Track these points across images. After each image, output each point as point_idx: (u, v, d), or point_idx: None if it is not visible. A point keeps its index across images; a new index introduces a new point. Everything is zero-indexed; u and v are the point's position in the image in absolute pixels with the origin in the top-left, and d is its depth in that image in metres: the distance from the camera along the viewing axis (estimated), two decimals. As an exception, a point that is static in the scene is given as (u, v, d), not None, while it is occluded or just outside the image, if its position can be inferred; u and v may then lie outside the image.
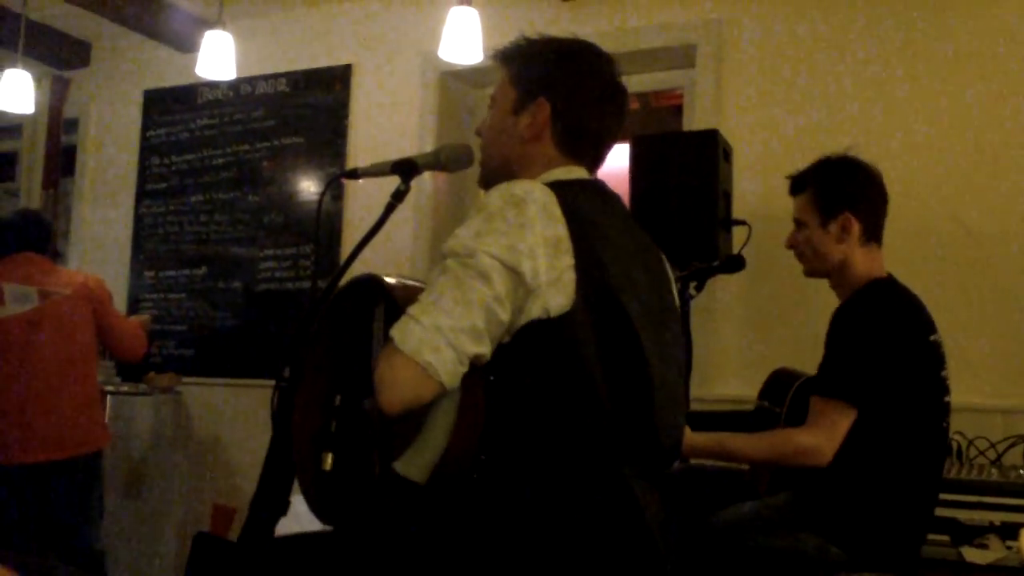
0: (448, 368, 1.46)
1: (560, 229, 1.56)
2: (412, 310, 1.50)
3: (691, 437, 2.45)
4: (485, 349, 1.50)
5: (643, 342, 1.63)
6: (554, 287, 1.53)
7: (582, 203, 1.64)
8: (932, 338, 2.48)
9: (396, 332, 1.48)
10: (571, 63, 1.80)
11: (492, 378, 1.55)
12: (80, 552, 3.73)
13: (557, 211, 1.57)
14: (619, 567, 1.57)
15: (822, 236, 2.59)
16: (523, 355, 1.55)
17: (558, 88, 1.78)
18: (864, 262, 2.58)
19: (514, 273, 1.50)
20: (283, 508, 1.70)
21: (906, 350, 2.42)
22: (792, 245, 2.69)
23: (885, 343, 2.39)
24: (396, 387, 1.47)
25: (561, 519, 1.55)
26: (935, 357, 2.48)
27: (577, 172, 1.78)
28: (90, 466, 3.76)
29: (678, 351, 1.80)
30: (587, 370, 1.56)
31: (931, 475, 2.49)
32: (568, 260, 1.55)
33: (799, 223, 2.64)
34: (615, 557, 1.57)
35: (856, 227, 2.58)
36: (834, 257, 2.59)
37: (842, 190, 2.62)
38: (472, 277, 1.49)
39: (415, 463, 1.51)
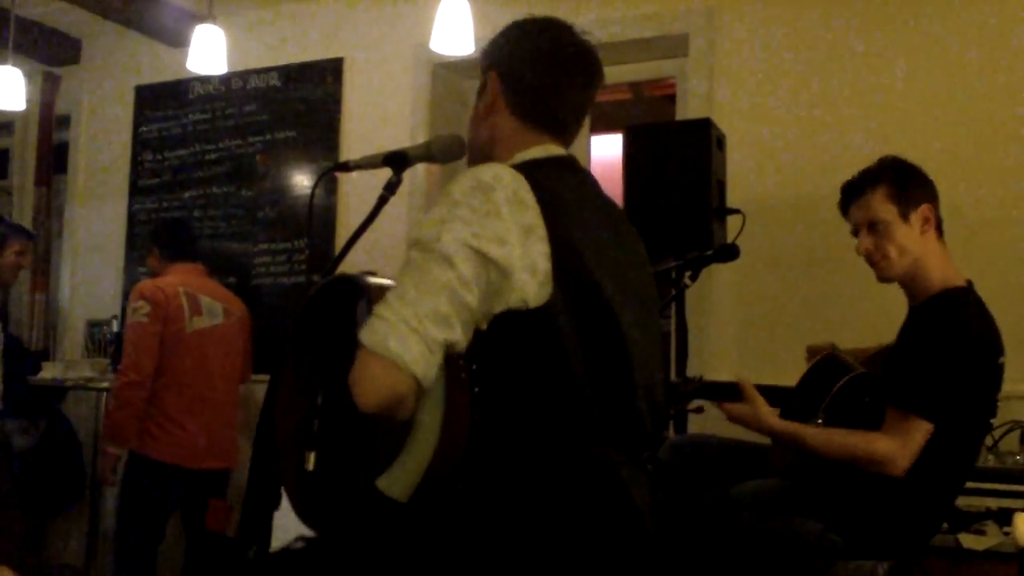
0: (417, 358, 1.41)
1: (532, 215, 1.53)
2: (377, 308, 1.45)
3: (769, 419, 2.42)
4: (455, 335, 1.45)
5: (623, 325, 1.62)
6: (530, 275, 1.51)
7: (555, 184, 1.63)
8: (1000, 360, 2.42)
9: (363, 333, 1.44)
10: (519, 34, 1.79)
11: (478, 380, 1.53)
12: None
13: (528, 196, 1.54)
14: (611, 553, 1.57)
15: (906, 230, 2.47)
16: (505, 346, 1.53)
17: (504, 58, 1.78)
18: (940, 262, 2.50)
19: (480, 256, 1.47)
20: (276, 501, 1.70)
21: (979, 372, 2.36)
22: (869, 251, 2.52)
23: (964, 362, 2.33)
24: (368, 384, 1.42)
25: (552, 509, 1.54)
26: (997, 380, 2.42)
27: (551, 150, 1.76)
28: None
29: (656, 330, 1.79)
30: (569, 359, 1.55)
31: (957, 483, 2.46)
32: (543, 247, 1.53)
33: (872, 224, 2.50)
34: (607, 543, 1.57)
35: (934, 219, 2.51)
36: (917, 251, 2.47)
37: (922, 181, 2.54)
38: (433, 262, 1.46)
39: (399, 481, 1.47)
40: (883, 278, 2.55)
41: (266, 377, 1.86)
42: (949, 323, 2.37)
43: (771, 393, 2.50)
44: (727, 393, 2.48)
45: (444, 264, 1.45)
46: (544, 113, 1.77)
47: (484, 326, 1.52)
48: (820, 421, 2.49)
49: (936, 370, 2.32)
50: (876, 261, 2.52)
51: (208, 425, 3.86)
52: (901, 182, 2.50)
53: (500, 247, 1.48)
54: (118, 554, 3.84)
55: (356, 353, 1.45)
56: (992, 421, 2.46)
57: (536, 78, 1.76)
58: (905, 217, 2.47)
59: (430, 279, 1.45)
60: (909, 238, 2.47)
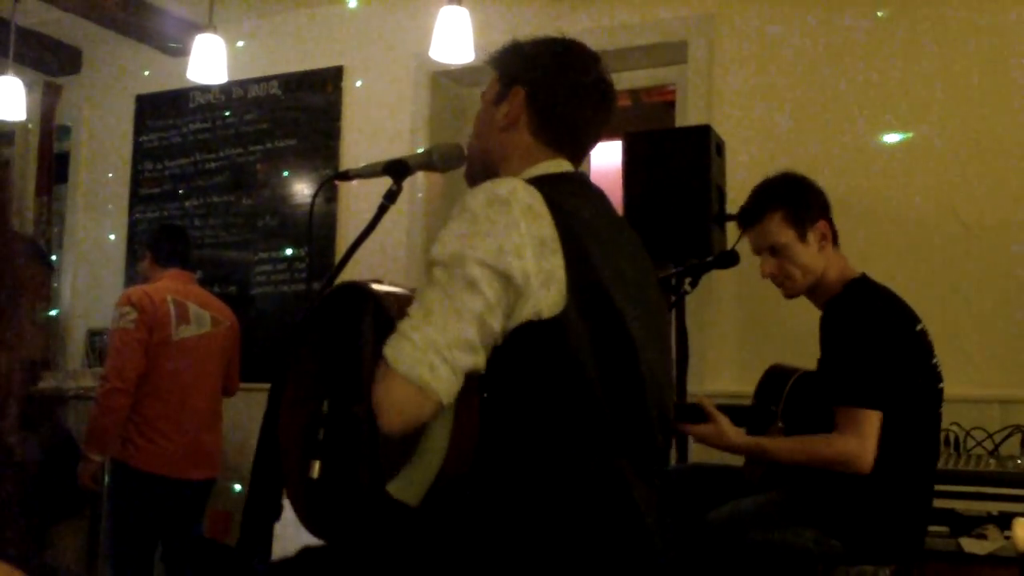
0: (445, 386, 1.43)
1: (546, 228, 1.54)
2: (403, 326, 1.46)
3: (733, 437, 2.45)
4: (480, 360, 1.48)
5: (635, 338, 1.62)
6: (544, 288, 1.51)
7: (568, 198, 1.63)
8: (918, 328, 2.50)
9: (389, 351, 1.45)
10: (549, 53, 1.81)
11: (487, 386, 1.53)
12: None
13: (543, 209, 1.55)
14: (617, 565, 1.57)
15: (805, 249, 2.57)
16: (517, 357, 1.53)
17: (533, 75, 1.78)
18: (837, 266, 2.60)
19: (503, 277, 1.48)
20: (276, 512, 1.69)
21: (899, 344, 2.43)
22: (773, 273, 2.62)
23: (882, 340, 2.40)
24: (394, 409, 1.44)
25: (560, 520, 1.54)
26: (924, 346, 2.50)
27: (563, 165, 1.78)
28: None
29: (666, 344, 1.80)
30: (582, 369, 1.54)
31: (928, 463, 2.50)
32: (557, 260, 1.53)
33: (773, 248, 2.59)
34: (613, 556, 1.56)
35: (830, 233, 2.60)
36: (818, 268, 2.57)
37: (814, 199, 2.62)
38: (461, 288, 1.46)
39: (410, 486, 1.48)
40: (789, 296, 2.66)
41: (260, 386, 1.86)
42: (856, 310, 2.47)
43: (734, 412, 2.54)
44: (691, 415, 2.51)
45: (471, 289, 1.46)
46: (566, 138, 1.80)
47: (499, 341, 1.53)
48: (780, 426, 2.54)
49: (863, 358, 2.39)
50: (781, 283, 2.63)
51: (192, 435, 3.80)
52: (796, 204, 2.59)
53: (519, 261, 1.49)
54: (113, 564, 3.80)
55: (379, 369, 1.46)
56: (940, 387, 2.51)
57: (567, 108, 1.78)
58: (803, 238, 2.57)
59: (458, 304, 1.46)
60: (809, 256, 2.57)
